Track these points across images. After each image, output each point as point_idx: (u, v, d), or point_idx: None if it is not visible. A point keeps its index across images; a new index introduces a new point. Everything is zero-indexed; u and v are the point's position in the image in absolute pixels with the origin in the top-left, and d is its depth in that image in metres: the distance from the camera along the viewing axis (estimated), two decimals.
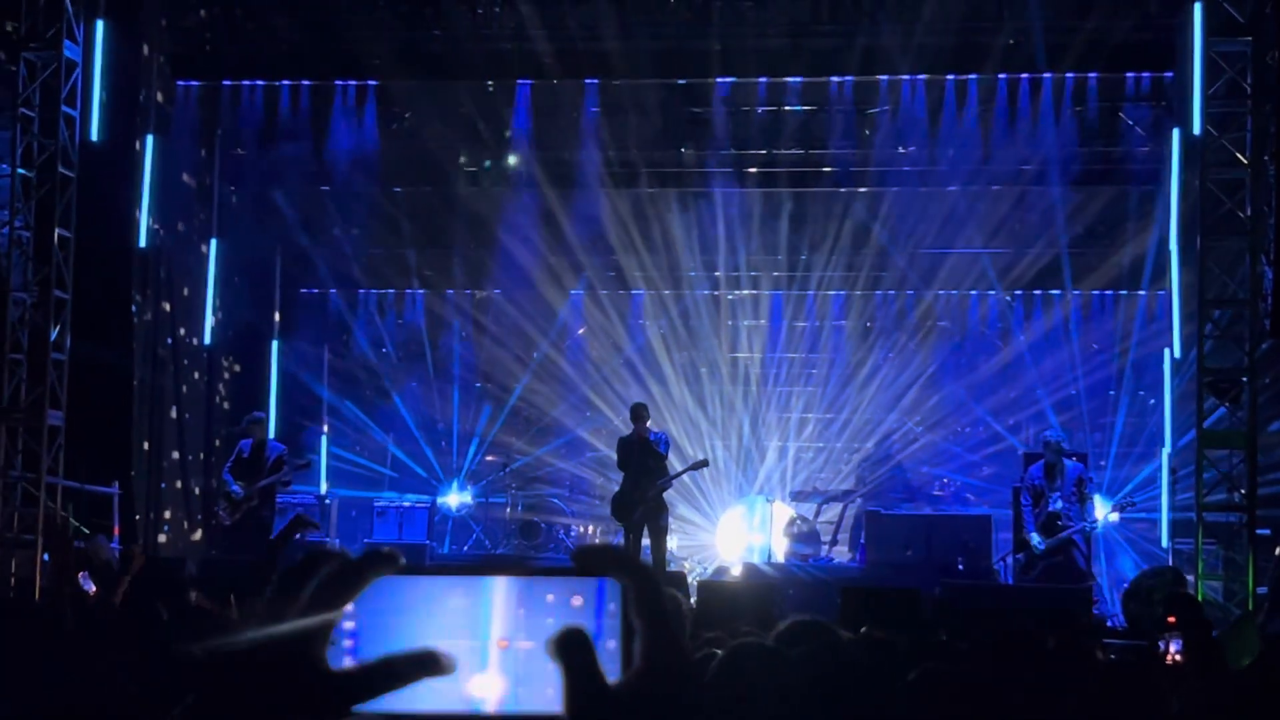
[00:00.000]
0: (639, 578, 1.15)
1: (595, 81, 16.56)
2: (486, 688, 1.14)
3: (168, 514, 16.08)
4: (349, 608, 1.13)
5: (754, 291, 19.44)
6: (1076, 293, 17.77)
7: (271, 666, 1.09)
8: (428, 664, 1.10)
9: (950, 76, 15.78)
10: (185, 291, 16.75)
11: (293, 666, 1.09)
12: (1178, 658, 5.67)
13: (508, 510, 17.72)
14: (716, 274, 19.03)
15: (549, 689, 1.13)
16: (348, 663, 1.12)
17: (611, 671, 1.13)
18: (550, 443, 19.31)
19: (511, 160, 17.63)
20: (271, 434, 17.01)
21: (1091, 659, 5.26)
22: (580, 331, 19.75)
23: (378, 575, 1.14)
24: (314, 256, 18.56)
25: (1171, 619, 6.16)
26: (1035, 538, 13.03)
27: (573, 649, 1.12)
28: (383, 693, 1.10)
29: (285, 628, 1.09)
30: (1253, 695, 4.44)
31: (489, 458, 19.11)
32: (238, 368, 18.07)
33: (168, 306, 16.30)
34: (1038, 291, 18.46)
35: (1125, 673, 5.03)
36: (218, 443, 17.20)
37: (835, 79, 16.16)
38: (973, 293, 18.70)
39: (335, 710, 1.09)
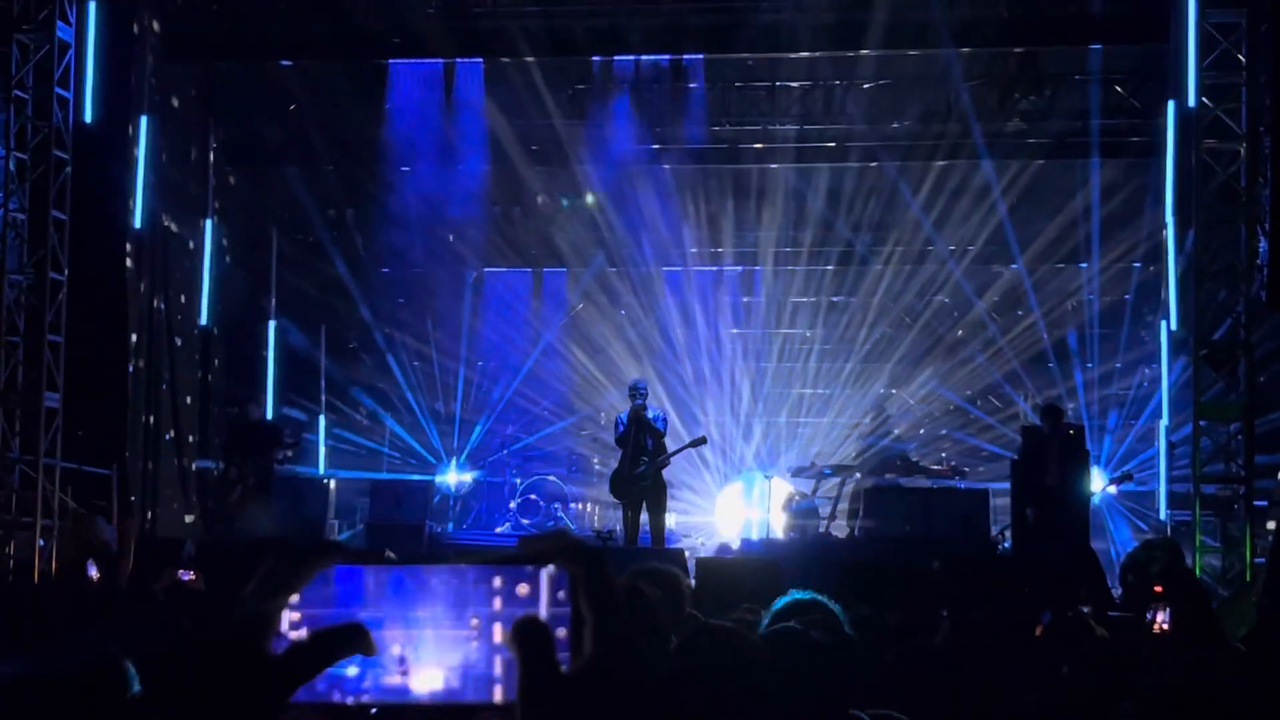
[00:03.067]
0: (587, 565, 1.15)
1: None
2: (428, 677, 1.14)
3: (165, 494, 16.09)
4: (295, 598, 1.13)
5: (748, 267, 19.43)
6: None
7: (213, 656, 1.09)
8: (353, 639, 1.10)
9: (945, 49, 15.74)
10: (181, 272, 16.73)
11: (234, 657, 1.09)
12: (1165, 628, 5.68)
13: (506, 489, 17.71)
14: (707, 251, 19.01)
15: (491, 678, 1.13)
16: None
17: (562, 660, 1.13)
18: (550, 423, 19.27)
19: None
20: (269, 414, 17.03)
21: (1088, 633, 5.27)
22: (578, 307, 19.72)
23: (324, 566, 1.14)
24: (311, 235, 18.51)
25: (1158, 588, 6.17)
26: (1032, 511, 13.04)
27: (529, 638, 1.12)
28: (316, 672, 1.10)
29: (228, 617, 1.09)
30: (1247, 667, 4.45)
31: (490, 436, 19.08)
32: (235, 348, 18.04)
33: (164, 287, 16.28)
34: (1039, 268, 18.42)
35: (1114, 645, 5.04)
36: (214, 423, 17.20)
37: (844, 53, 16.17)
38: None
39: (276, 697, 1.09)
